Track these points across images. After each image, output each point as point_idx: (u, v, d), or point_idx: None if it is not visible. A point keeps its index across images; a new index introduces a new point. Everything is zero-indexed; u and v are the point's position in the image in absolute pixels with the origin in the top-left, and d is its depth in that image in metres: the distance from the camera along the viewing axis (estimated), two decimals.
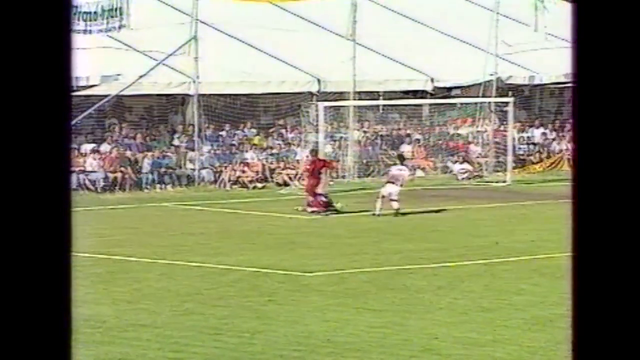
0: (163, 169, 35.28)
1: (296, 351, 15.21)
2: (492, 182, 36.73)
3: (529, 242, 24.03)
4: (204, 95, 35.97)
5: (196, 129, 36.06)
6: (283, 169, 36.51)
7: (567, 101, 41.52)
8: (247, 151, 36.69)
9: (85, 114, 35.09)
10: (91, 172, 34.49)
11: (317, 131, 35.86)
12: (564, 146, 40.03)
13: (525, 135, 40.88)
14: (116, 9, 35.09)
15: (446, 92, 39.22)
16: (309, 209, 28.97)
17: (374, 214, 28.33)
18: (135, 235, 25.59)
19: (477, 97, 38.68)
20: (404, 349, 15.32)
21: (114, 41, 35.86)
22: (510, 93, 38.54)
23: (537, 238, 24.24)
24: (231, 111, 37.36)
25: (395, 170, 29.60)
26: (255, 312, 17.42)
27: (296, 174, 35.76)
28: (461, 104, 39.25)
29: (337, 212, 28.94)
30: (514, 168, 37.82)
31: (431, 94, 38.95)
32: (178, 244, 24.01)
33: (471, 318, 17.10)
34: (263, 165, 36.39)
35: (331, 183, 33.71)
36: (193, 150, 35.97)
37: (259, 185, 35.48)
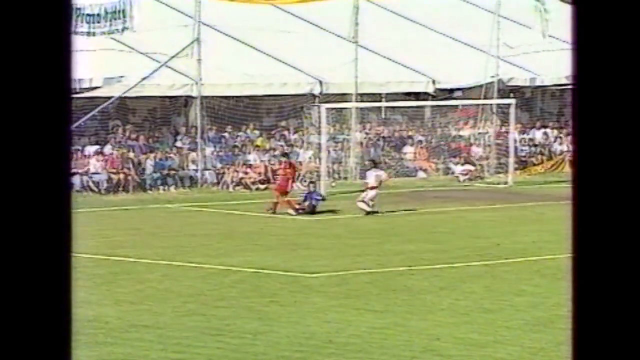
0: (166, 171, 35.36)
1: (298, 352, 15.28)
2: (493, 183, 36.76)
3: (530, 243, 24.08)
4: (206, 97, 36.03)
5: (199, 130, 36.13)
6: None
7: (569, 103, 41.49)
8: (249, 153, 36.75)
9: (88, 115, 35.17)
10: (94, 173, 34.57)
11: (319, 133, 35.93)
12: (565, 147, 40.07)
13: (526, 136, 40.92)
14: (119, 12, 35.17)
15: (448, 93, 39.27)
16: (292, 210, 29.20)
17: (368, 213, 28.66)
18: (138, 236, 25.66)
19: (479, 98, 38.73)
20: (405, 350, 15.39)
21: (117, 43, 35.93)
22: (511, 95, 38.58)
23: (538, 239, 24.28)
24: (234, 113, 37.42)
25: (371, 174, 30.04)
26: (257, 313, 17.49)
27: (298, 176, 35.84)
28: (463, 105, 39.30)
29: (311, 212, 29.14)
30: (516, 169, 37.85)
31: (433, 96, 38.99)
32: (181, 245, 24.07)
33: (472, 319, 17.16)
34: (265, 166, 36.46)
35: (333, 185, 33.78)
36: (196, 151, 36.05)
37: (262, 186, 35.54)
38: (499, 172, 37.81)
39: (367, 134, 38.75)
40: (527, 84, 40.79)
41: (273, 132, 38.20)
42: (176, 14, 37.20)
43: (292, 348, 15.45)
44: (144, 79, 35.26)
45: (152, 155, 35.63)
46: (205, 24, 36.22)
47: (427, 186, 35.75)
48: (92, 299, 17.78)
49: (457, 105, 39.31)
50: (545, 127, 41.54)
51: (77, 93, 34.96)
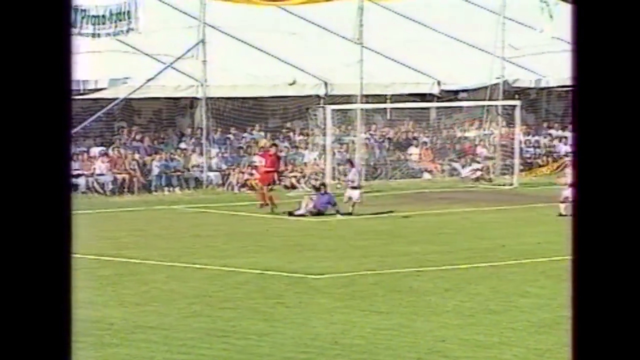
0: (171, 172, 35.38)
1: (303, 353, 15.28)
2: (499, 184, 36.75)
3: (536, 244, 24.06)
4: (211, 98, 36.04)
5: (204, 132, 36.14)
6: (291, 172, 36.59)
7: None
8: (254, 154, 36.77)
9: (94, 117, 35.19)
10: (100, 175, 34.60)
11: (324, 134, 35.93)
12: (570, 149, 40.00)
13: (532, 138, 40.91)
14: (124, 13, 35.19)
15: (453, 95, 39.26)
16: (270, 204, 29.40)
17: (340, 213, 28.67)
18: (143, 237, 25.67)
19: (484, 100, 38.71)
20: (411, 351, 15.38)
21: (122, 45, 35.96)
22: (517, 96, 38.55)
23: (544, 240, 24.26)
24: (239, 114, 37.43)
25: (352, 175, 30.23)
26: (262, 314, 17.49)
27: (304, 176, 35.85)
28: (468, 107, 39.30)
29: (317, 214, 29.29)
30: (521, 171, 37.84)
31: (438, 97, 38.99)
32: (186, 247, 24.08)
33: (478, 320, 17.15)
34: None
35: (338, 186, 33.75)
36: (201, 153, 36.06)
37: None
38: (505, 174, 37.80)
39: (372, 135, 38.75)
40: (533, 85, 40.77)
41: (278, 133, 38.21)
42: (181, 15, 37.22)
43: (298, 349, 15.45)
44: (149, 80, 35.28)
45: (157, 156, 35.65)
46: (210, 26, 36.23)
47: (432, 187, 35.74)
48: (97, 300, 17.79)
49: (462, 107, 39.30)
50: (550, 128, 41.53)
51: (82, 94, 34.97)
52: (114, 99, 35.22)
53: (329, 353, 15.29)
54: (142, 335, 16.14)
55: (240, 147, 37.18)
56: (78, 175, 34.48)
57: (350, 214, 29.21)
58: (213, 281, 20.25)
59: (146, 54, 36.15)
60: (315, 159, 36.50)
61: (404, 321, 17.05)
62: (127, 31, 35.26)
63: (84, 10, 34.68)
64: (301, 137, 37.89)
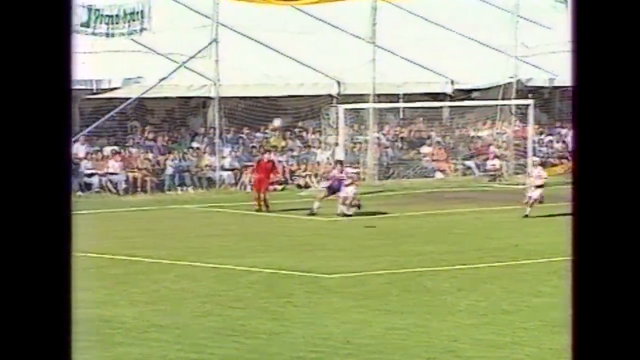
0: (184, 171, 35.40)
1: (314, 352, 15.24)
2: (512, 184, 36.68)
3: (549, 244, 23.98)
4: (224, 97, 36.06)
5: (217, 131, 36.16)
6: (303, 171, 36.57)
7: None
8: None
9: (107, 116, 35.24)
10: (113, 174, 34.64)
11: (337, 134, 35.90)
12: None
13: (545, 137, 40.81)
14: (138, 12, 35.23)
15: (466, 94, 39.19)
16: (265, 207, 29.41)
17: (345, 215, 28.46)
18: (155, 237, 25.69)
19: (497, 99, 38.63)
20: (423, 351, 15.33)
21: (135, 44, 36.00)
22: (530, 95, 38.46)
23: (557, 240, 24.17)
24: (251, 113, 37.44)
25: (343, 174, 30.00)
26: (273, 313, 17.47)
27: (316, 176, 35.83)
28: (481, 106, 39.23)
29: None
30: None
31: (451, 96, 38.92)
32: (198, 246, 24.08)
33: (491, 320, 17.09)
34: (283, 167, 36.46)
35: None
36: (214, 152, 36.08)
37: (279, 187, 35.54)
38: (518, 173, 37.72)
39: (385, 134, 38.70)
40: (546, 84, 40.66)
41: (291, 132, 38.20)
42: (194, 14, 37.24)
43: (308, 349, 15.41)
44: (162, 79, 35.31)
45: (170, 155, 35.68)
46: (223, 25, 36.25)
47: (445, 187, 35.67)
48: (109, 299, 17.80)
49: (475, 106, 39.24)
50: (564, 127, 41.43)
51: (95, 94, 35.01)
52: (127, 98, 35.26)
53: (340, 352, 15.25)
54: (153, 335, 16.13)
55: (253, 147, 37.18)
56: (91, 175, 34.54)
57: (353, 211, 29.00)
58: (224, 280, 20.24)
59: (159, 54, 36.19)
60: (327, 159, 36.46)
61: (416, 321, 17.00)
62: (141, 31, 35.31)
63: (98, 10, 34.73)
64: (314, 137, 37.87)
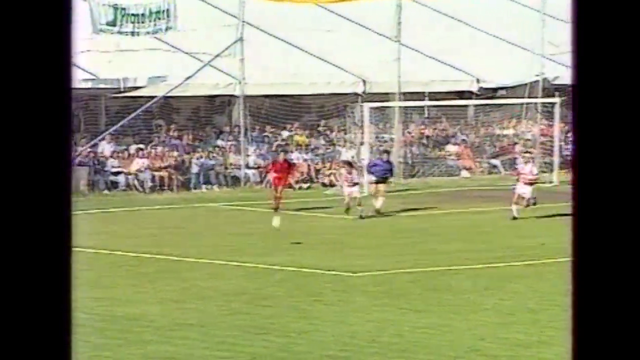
0: (209, 170, 35.51)
1: (342, 351, 15.29)
2: (538, 182, 36.54)
3: None
4: (249, 96, 36.13)
5: (242, 129, 36.24)
6: (328, 170, 36.61)
7: None
8: (292, 152, 36.81)
9: (132, 115, 35.39)
10: (139, 172, 34.78)
11: (362, 132, 35.92)
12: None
13: (571, 135, 40.63)
14: (163, 11, 35.35)
15: (492, 92, 39.10)
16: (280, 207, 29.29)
17: (361, 216, 28.23)
18: (182, 235, 25.78)
19: (523, 97, 38.52)
20: (449, 350, 15.34)
21: (161, 43, 36.12)
22: (556, 93, 38.33)
23: None
24: (277, 112, 37.50)
25: (353, 175, 29.67)
26: (301, 312, 17.52)
27: (341, 174, 35.83)
28: (507, 104, 39.12)
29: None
30: (561, 169, 37.61)
31: (477, 95, 38.85)
32: (225, 244, 24.16)
33: (517, 319, 17.08)
34: (308, 165, 36.50)
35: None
36: (239, 151, 36.16)
37: (305, 185, 35.58)
38: (544, 172, 37.60)
39: (410, 133, 38.68)
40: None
41: (316, 131, 38.24)
42: (220, 13, 37.33)
43: (337, 347, 15.45)
44: (187, 78, 35.42)
45: (195, 154, 35.80)
46: (248, 24, 36.32)
47: (470, 185, 35.61)
48: (137, 297, 17.88)
49: (501, 104, 39.13)
50: None
51: (121, 92, 35.16)
52: (153, 97, 35.39)
53: (366, 351, 15.29)
54: (181, 333, 16.21)
55: (279, 145, 37.26)
56: (118, 173, 34.70)
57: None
58: (252, 279, 20.30)
59: (185, 52, 36.30)
60: (352, 157, 36.47)
61: (442, 319, 17.01)
62: (166, 29, 35.43)
63: (124, 9, 34.88)
64: (339, 135, 37.89)
